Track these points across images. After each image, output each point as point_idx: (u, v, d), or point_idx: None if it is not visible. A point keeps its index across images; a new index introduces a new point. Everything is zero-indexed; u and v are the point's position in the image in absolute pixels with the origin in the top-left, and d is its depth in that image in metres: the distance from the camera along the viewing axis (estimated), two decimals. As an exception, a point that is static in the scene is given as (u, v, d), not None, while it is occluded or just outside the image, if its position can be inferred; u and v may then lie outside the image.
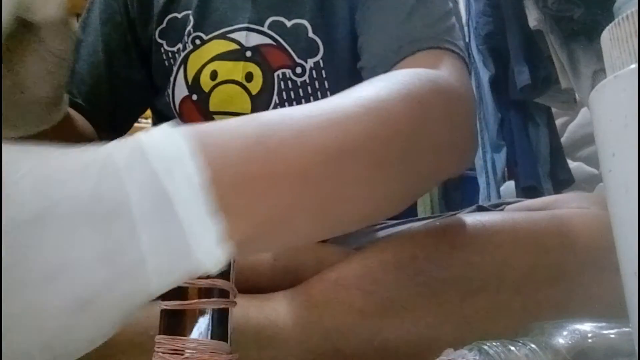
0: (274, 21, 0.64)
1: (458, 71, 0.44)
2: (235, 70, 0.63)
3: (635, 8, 0.24)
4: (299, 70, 0.63)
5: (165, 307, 0.33)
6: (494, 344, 0.31)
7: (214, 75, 0.63)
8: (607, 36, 0.26)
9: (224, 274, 0.34)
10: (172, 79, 0.65)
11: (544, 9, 1.31)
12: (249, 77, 0.63)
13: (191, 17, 0.64)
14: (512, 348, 0.30)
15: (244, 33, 0.63)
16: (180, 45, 0.64)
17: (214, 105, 0.63)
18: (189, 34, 0.64)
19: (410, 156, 0.31)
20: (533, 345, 0.30)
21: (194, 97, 0.64)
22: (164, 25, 0.65)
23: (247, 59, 0.63)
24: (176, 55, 0.65)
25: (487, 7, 1.58)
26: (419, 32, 0.51)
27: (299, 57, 0.63)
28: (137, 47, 0.67)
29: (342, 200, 0.26)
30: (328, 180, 0.22)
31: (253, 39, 0.63)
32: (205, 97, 0.63)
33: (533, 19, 1.34)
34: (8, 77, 0.32)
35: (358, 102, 0.28)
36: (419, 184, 0.36)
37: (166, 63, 0.65)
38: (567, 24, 1.31)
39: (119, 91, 0.66)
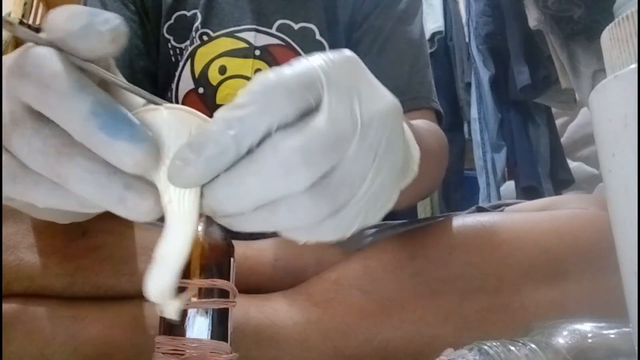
0: (282, 24, 0.66)
1: (438, 128, 0.65)
2: (244, 66, 0.64)
3: (635, 8, 0.24)
4: None
5: (165, 307, 0.33)
6: (494, 344, 0.31)
7: (222, 70, 0.64)
8: (607, 36, 0.26)
9: (224, 274, 0.34)
10: (177, 73, 0.65)
11: (544, 9, 1.31)
12: None
13: (199, 14, 0.65)
14: (512, 348, 0.30)
15: (252, 33, 0.65)
16: (187, 42, 0.65)
17: (221, 98, 0.64)
18: (197, 29, 0.65)
19: (442, 163, 0.57)
20: (533, 345, 0.30)
21: (200, 90, 0.65)
22: (172, 21, 0.66)
23: (256, 57, 0.65)
24: (183, 51, 0.65)
25: (487, 7, 1.58)
26: (417, 89, 0.67)
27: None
28: (148, 39, 0.67)
29: (426, 174, 0.42)
30: (426, 161, 0.36)
31: (262, 40, 0.65)
32: (212, 90, 0.64)
33: (533, 19, 1.34)
34: None
35: (432, 131, 0.54)
36: (435, 182, 0.58)
37: (172, 59, 0.66)
38: (567, 24, 1.31)
39: (137, 80, 0.66)
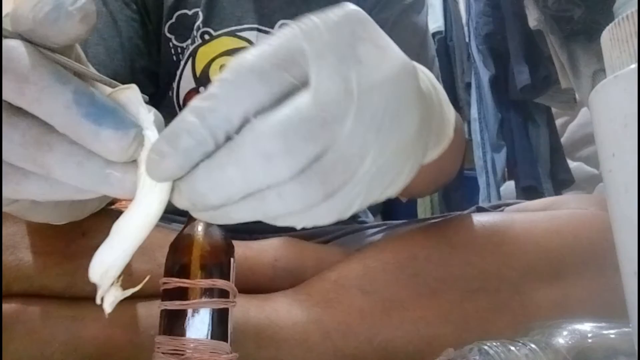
0: (283, 24, 0.66)
1: None
2: None
3: (635, 8, 0.24)
4: None
5: (165, 307, 0.33)
6: (494, 344, 0.31)
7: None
8: (607, 36, 0.26)
9: (224, 274, 0.34)
10: (178, 72, 0.65)
11: (544, 9, 1.30)
12: None
13: (200, 13, 0.65)
14: (512, 348, 0.30)
15: (254, 33, 0.65)
16: (189, 41, 0.65)
17: None
18: (198, 28, 0.65)
19: (461, 153, 0.53)
20: (533, 345, 0.30)
21: (202, 89, 0.65)
22: (173, 20, 0.66)
23: None
24: (185, 50, 0.65)
25: (487, 7, 1.58)
26: None
27: None
28: (149, 38, 0.67)
29: (449, 162, 0.46)
30: (453, 150, 0.35)
31: (263, 39, 0.65)
32: None
33: (533, 19, 1.34)
34: None
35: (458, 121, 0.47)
36: (453, 171, 0.56)
37: (174, 58, 0.66)
38: (567, 24, 1.31)
39: (138, 80, 0.65)
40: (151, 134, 0.23)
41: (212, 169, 0.21)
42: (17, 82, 0.20)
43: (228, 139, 0.21)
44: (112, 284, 0.23)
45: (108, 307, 0.23)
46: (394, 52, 0.22)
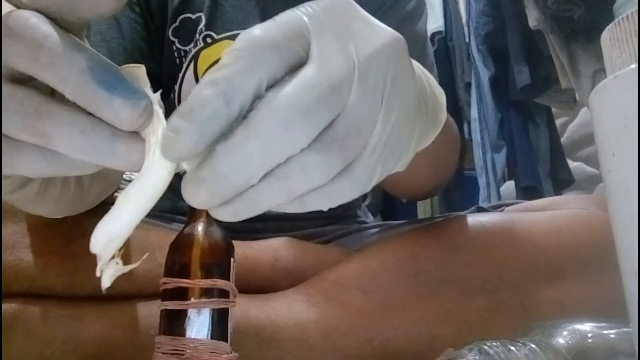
0: None
1: None
2: None
3: (635, 8, 0.24)
4: None
5: (165, 307, 0.33)
6: (494, 344, 0.31)
7: None
8: (607, 36, 0.26)
9: (224, 274, 0.34)
10: (180, 75, 0.65)
11: (544, 9, 1.31)
12: None
13: (203, 17, 0.65)
14: (512, 348, 0.30)
15: None
16: (192, 45, 0.65)
17: None
18: (201, 32, 0.65)
19: (456, 149, 0.56)
20: (533, 345, 0.30)
21: None
22: (177, 24, 0.66)
23: None
24: (188, 53, 0.66)
25: (487, 7, 1.58)
26: None
27: None
28: (152, 40, 0.67)
29: (444, 154, 0.49)
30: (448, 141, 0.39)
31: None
32: None
33: (533, 19, 1.34)
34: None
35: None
36: (449, 168, 0.58)
37: (177, 61, 0.66)
38: (567, 24, 1.31)
39: None
40: (159, 109, 0.23)
41: (231, 146, 0.21)
42: (31, 48, 0.20)
43: (242, 117, 0.21)
44: (113, 257, 0.23)
45: (107, 281, 0.23)
46: (383, 28, 0.25)
